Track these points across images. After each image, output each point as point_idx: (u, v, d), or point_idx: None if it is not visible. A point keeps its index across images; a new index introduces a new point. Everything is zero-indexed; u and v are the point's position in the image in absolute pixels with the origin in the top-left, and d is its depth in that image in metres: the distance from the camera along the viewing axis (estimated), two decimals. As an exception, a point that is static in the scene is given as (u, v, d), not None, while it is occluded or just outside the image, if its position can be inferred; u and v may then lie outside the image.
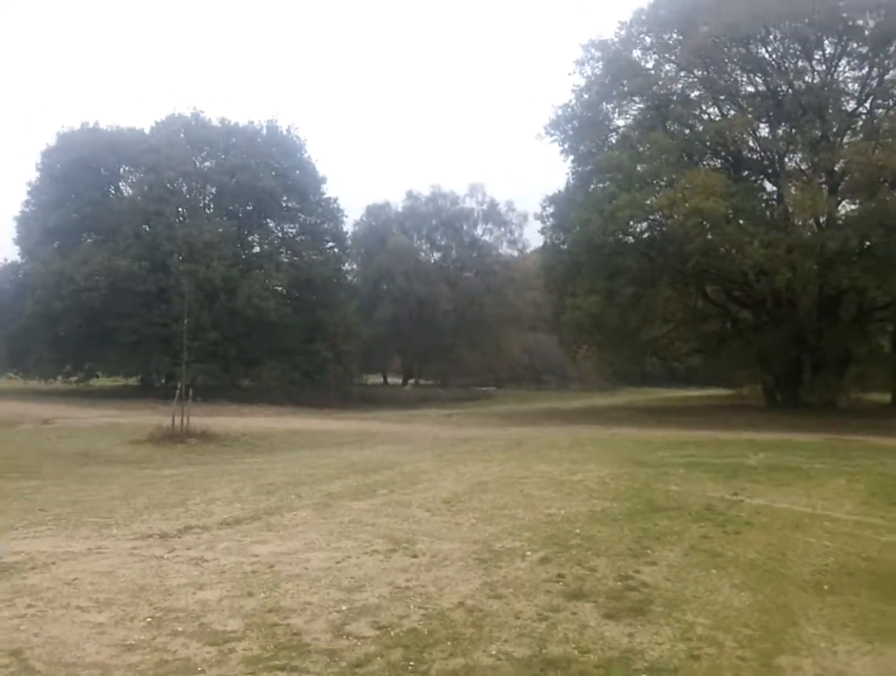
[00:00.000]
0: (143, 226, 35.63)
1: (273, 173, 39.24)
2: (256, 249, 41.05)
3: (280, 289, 38.20)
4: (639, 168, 26.13)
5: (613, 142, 29.02)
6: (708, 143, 27.47)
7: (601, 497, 9.85)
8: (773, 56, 27.16)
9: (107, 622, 5.07)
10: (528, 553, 6.78)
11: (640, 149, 26.51)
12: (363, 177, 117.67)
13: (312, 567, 6.38)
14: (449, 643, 4.56)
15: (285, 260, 39.71)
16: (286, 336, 36.56)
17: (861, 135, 23.73)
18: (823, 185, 24.78)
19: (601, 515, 8.60)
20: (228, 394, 33.61)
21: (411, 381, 63.44)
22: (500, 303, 58.08)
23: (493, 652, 4.40)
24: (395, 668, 4.18)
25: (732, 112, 28.17)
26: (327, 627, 4.87)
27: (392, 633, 4.74)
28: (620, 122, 30.00)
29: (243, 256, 38.81)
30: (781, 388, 28.51)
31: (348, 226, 48.27)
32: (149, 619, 5.09)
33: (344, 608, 5.25)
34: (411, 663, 4.25)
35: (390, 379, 65.30)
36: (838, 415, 24.41)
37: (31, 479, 13.03)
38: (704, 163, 29.29)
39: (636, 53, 28.91)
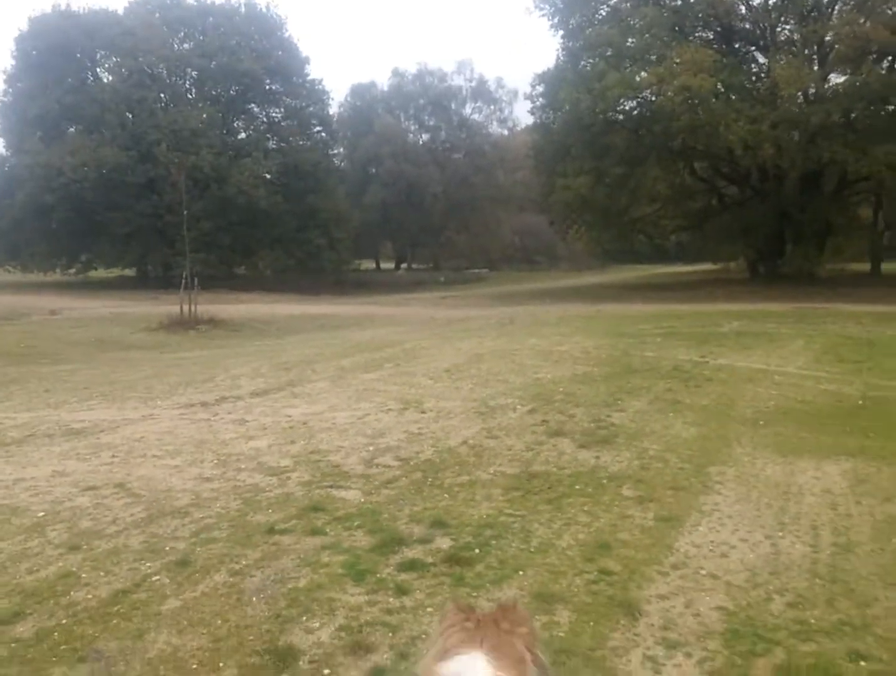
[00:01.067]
0: (127, 114, 35.40)
1: (254, 55, 38.50)
2: (242, 135, 40.88)
3: (269, 176, 38.38)
4: (629, 42, 26.10)
5: (603, 15, 28.67)
6: (699, 15, 27.20)
7: (584, 363, 11.20)
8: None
9: (181, 464, 6.38)
10: (519, 406, 8.14)
11: (631, 22, 26.32)
12: (347, 55, 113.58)
13: (339, 422, 7.71)
14: (456, 466, 5.91)
15: (272, 146, 39.64)
16: (279, 224, 37.16)
17: (851, 5, 23.68)
18: (813, 57, 24.95)
19: (582, 377, 9.95)
20: (225, 284, 34.57)
21: (403, 266, 64.32)
22: (490, 183, 57.97)
23: (491, 472, 5.75)
24: (417, 484, 5.53)
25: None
26: (359, 461, 6.21)
27: (411, 463, 6.09)
28: (608, -6, 29.47)
29: (230, 143, 38.69)
30: (764, 261, 29.73)
31: (333, 108, 47.75)
32: (215, 461, 6.41)
33: (371, 448, 6.59)
34: (429, 480, 5.60)
35: (382, 265, 66.11)
36: (816, 285, 25.72)
37: (61, 364, 14.28)
38: (696, 35, 29.10)
39: (628, -83, 28.03)
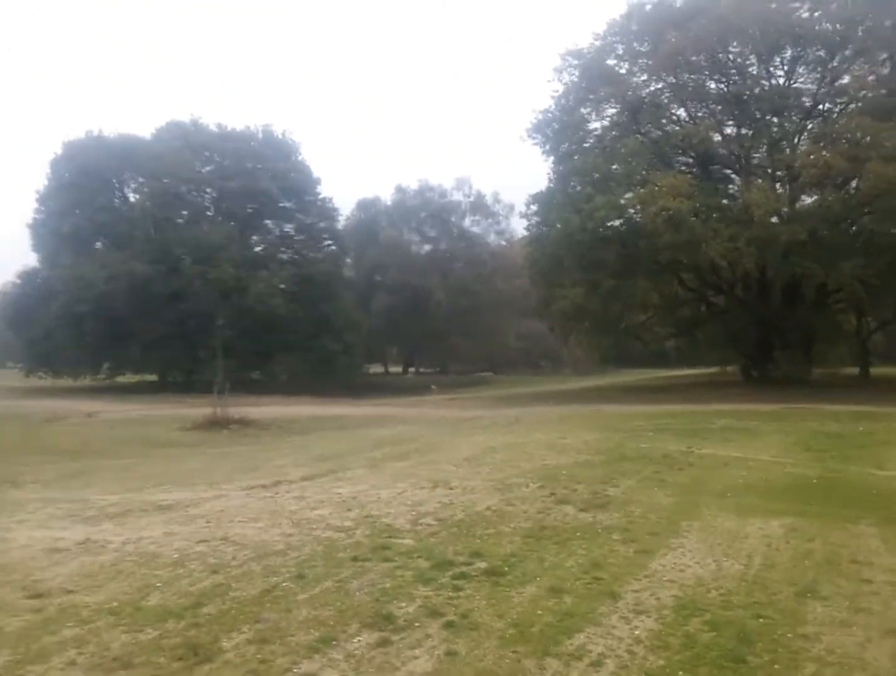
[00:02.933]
0: (153, 231, 38.47)
1: (269, 176, 42.12)
2: (259, 249, 44.05)
3: (284, 286, 41.16)
4: (614, 168, 29.17)
5: (590, 144, 32.06)
6: (678, 144, 30.46)
7: (584, 453, 12.97)
8: (737, 61, 30.23)
9: (264, 526, 8.08)
10: (530, 484, 9.87)
11: (614, 151, 29.50)
12: (353, 172, 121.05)
13: (382, 496, 9.44)
14: (484, 523, 7.64)
15: (286, 258, 42.68)
16: (293, 330, 39.58)
17: (814, 136, 26.85)
18: (785, 181, 27.92)
19: (583, 463, 11.70)
20: (243, 387, 36.56)
21: (411, 369, 66.51)
22: (490, 291, 60.98)
23: (511, 526, 7.48)
24: (455, 534, 7.25)
25: (700, 113, 31.32)
26: (406, 521, 7.92)
27: (447, 522, 7.82)
28: (596, 125, 33.12)
29: (248, 256, 41.71)
30: (755, 365, 31.80)
31: (341, 222, 51.32)
32: (290, 524, 8.11)
33: (413, 513, 8.31)
34: (464, 532, 7.32)
35: (391, 368, 68.35)
36: (805, 388, 27.59)
37: (118, 459, 15.98)
38: (677, 159, 32.38)
39: (610, 61, 31.95)
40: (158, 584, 5.81)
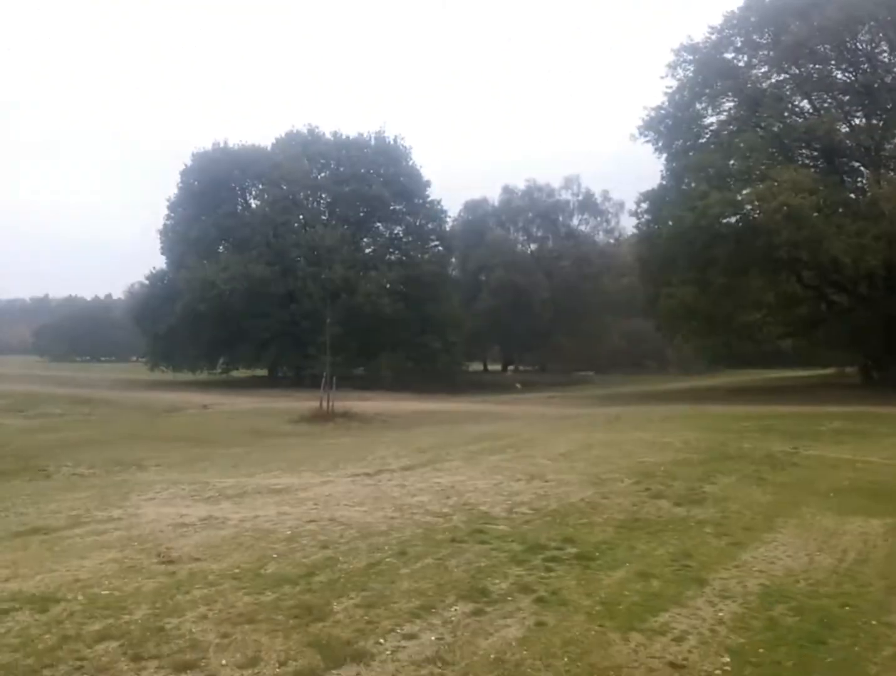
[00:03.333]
0: (272, 235, 40.56)
1: (381, 180, 43.49)
2: (369, 250, 45.52)
3: (391, 286, 42.40)
4: (731, 163, 28.36)
5: (705, 140, 31.25)
6: (801, 136, 29.26)
7: (684, 451, 12.89)
8: (866, 49, 28.74)
9: (368, 510, 8.63)
10: (626, 479, 10.00)
11: (731, 147, 28.66)
12: (462, 174, 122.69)
13: (479, 487, 9.82)
14: (577, 514, 7.89)
15: (394, 259, 43.92)
16: (399, 329, 40.74)
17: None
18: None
19: (682, 461, 11.68)
20: (348, 383, 38.08)
21: (511, 368, 66.70)
22: (596, 290, 60.36)
23: (604, 517, 7.69)
24: (548, 523, 7.53)
25: (825, 104, 29.94)
26: (502, 510, 8.27)
27: (542, 512, 8.10)
28: (712, 120, 32.24)
29: (358, 257, 43.24)
30: (877, 367, 30.09)
31: (448, 224, 52.20)
32: (392, 508, 8.62)
33: (509, 503, 8.64)
34: (557, 521, 7.59)
35: (490, 367, 68.83)
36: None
37: (232, 447, 17.15)
38: (799, 153, 31.07)
39: (727, 55, 31.09)
40: (274, 556, 6.42)
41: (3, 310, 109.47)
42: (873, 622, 4.53)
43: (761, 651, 4.11)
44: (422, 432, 19.88)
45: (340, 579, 5.61)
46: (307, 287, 37.66)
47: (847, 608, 4.77)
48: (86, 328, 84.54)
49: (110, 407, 29.82)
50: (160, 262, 44.35)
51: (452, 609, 4.89)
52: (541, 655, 4.13)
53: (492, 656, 4.13)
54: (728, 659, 4.00)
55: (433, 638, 4.41)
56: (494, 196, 66.28)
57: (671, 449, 13.34)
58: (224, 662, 4.10)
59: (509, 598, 5.08)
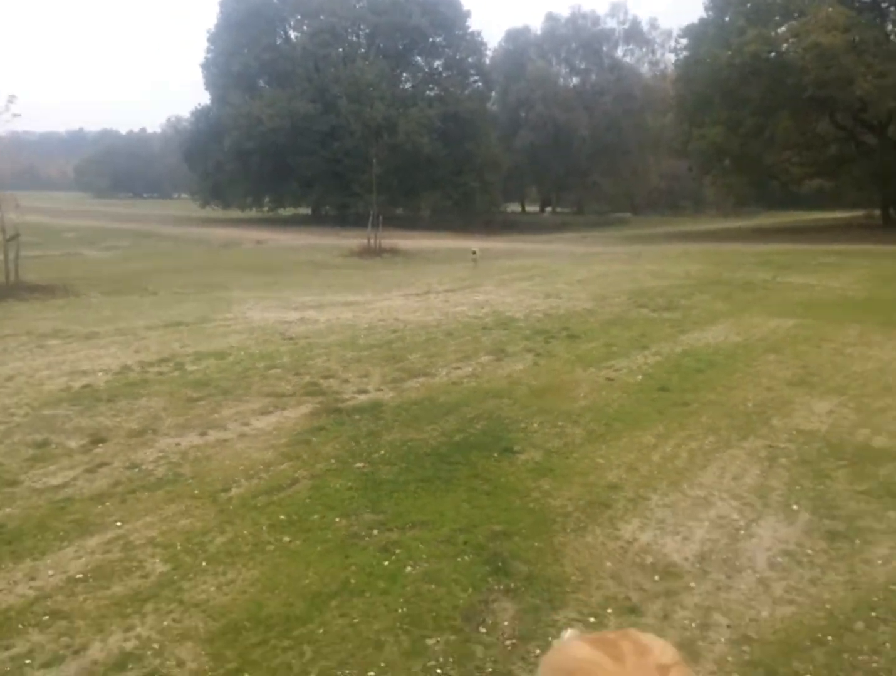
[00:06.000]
0: (313, 70, 41.69)
1: (420, 10, 43.51)
2: (408, 86, 46.33)
3: (430, 124, 43.67)
4: (770, -1, 28.79)
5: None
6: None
7: (681, 279, 15.69)
8: None
9: (421, 315, 11.71)
10: (623, 298, 12.91)
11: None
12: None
13: (507, 302, 12.85)
14: (576, 317, 10.88)
15: (433, 95, 44.84)
16: (438, 168, 42.60)
17: None
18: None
19: (675, 286, 14.50)
20: (389, 222, 40.71)
21: (548, 209, 68.31)
22: (638, 127, 60.29)
23: (596, 318, 10.67)
24: (553, 321, 10.53)
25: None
26: (521, 315, 11.28)
27: (551, 315, 11.10)
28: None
29: (397, 93, 44.26)
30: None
31: (488, 57, 52.04)
32: (439, 313, 11.69)
33: (527, 310, 11.66)
34: (560, 320, 10.60)
35: (528, 208, 70.44)
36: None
37: (296, 276, 20.24)
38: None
39: None
40: (361, 336, 9.58)
41: (39, 143, 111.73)
42: (740, 365, 7.53)
43: (664, 375, 7.15)
44: (461, 265, 22.78)
45: (409, 345, 8.77)
46: (349, 124, 39.33)
47: (730, 359, 7.77)
48: (126, 163, 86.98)
49: (171, 242, 33.12)
50: (193, 97, 46.23)
51: (482, 358, 8.02)
52: (533, 375, 7.23)
53: (504, 375, 7.26)
54: (641, 378, 7.06)
55: (469, 370, 7.53)
56: (537, 25, 64.87)
57: (672, 277, 16.14)
58: (349, 376, 7.28)
59: (518, 354, 8.18)
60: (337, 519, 3.87)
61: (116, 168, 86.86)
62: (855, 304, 11.91)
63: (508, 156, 52.18)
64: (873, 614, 3.02)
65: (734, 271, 16.89)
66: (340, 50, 43.36)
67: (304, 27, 43.36)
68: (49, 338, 9.49)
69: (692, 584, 3.27)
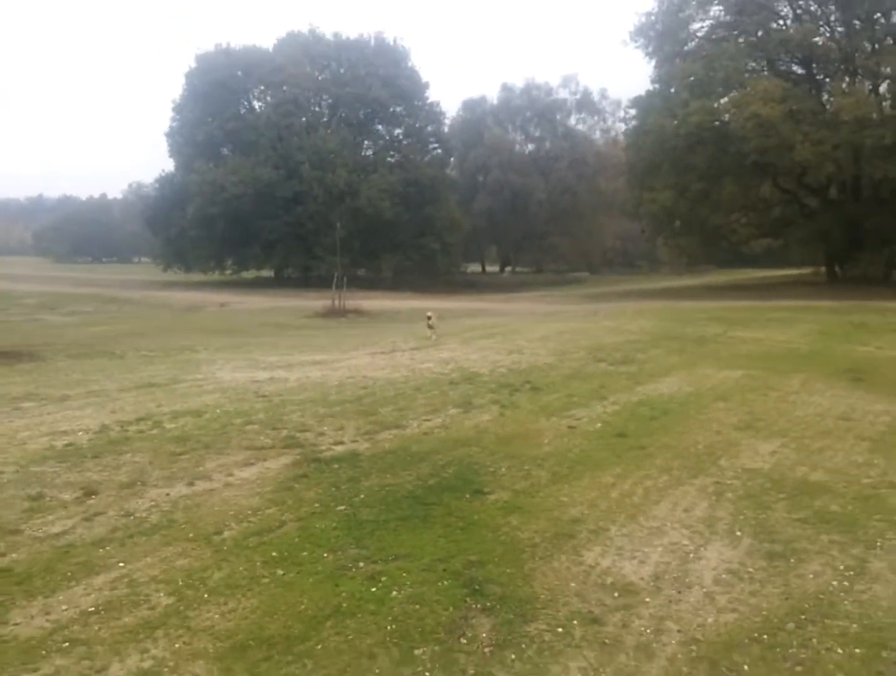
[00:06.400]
0: (276, 139, 42.78)
1: (381, 82, 45.23)
2: (369, 153, 47.71)
3: (391, 189, 44.88)
4: (712, 73, 30.66)
5: (691, 47, 33.31)
6: (780, 45, 31.33)
7: (637, 334, 16.41)
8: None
9: (388, 372, 12.12)
10: (582, 353, 13.51)
11: (716, 55, 30.86)
12: (460, 72, 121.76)
13: (471, 358, 13.35)
14: (538, 371, 11.40)
15: (394, 162, 46.21)
16: (399, 231, 43.65)
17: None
18: (873, 87, 28.79)
19: (631, 341, 15.18)
20: (352, 283, 41.39)
21: (508, 269, 69.83)
22: (592, 191, 62.58)
23: (557, 372, 11.20)
24: (517, 375, 11.02)
25: (809, 10, 31.86)
26: (486, 370, 11.76)
27: (514, 369, 11.61)
28: (700, 25, 34.09)
29: (359, 160, 45.56)
30: (840, 265, 33.43)
31: (446, 124, 53.94)
32: (406, 370, 12.12)
33: (491, 366, 12.15)
34: (523, 374, 11.10)
35: (488, 268, 71.94)
36: (886, 287, 29.31)
37: (262, 337, 20.55)
38: (780, 59, 33.18)
39: (716, -38, 32.63)
40: (332, 392, 9.94)
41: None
42: (692, 412, 8.08)
43: (622, 423, 7.65)
44: (424, 324, 23.35)
45: (380, 400, 9.16)
46: (312, 190, 40.23)
47: (682, 407, 8.32)
48: (85, 229, 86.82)
49: (134, 306, 33.23)
50: (155, 164, 46.85)
51: (450, 410, 8.44)
52: (500, 425, 7.67)
53: (472, 425, 7.68)
54: (600, 425, 7.54)
55: (439, 421, 7.93)
56: (493, 95, 67.43)
57: (627, 333, 16.86)
58: (324, 429, 7.62)
59: (485, 406, 8.63)
60: (325, 555, 4.22)
61: (76, 233, 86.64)
62: (799, 356, 12.67)
63: (468, 219, 53.62)
64: (803, 617, 3.47)
65: (686, 326, 17.70)
66: (303, 119, 44.65)
67: (268, 98, 44.67)
68: (23, 400, 9.65)
69: (647, 599, 3.69)
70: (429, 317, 17.40)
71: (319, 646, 3.22)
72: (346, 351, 15.49)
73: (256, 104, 46.25)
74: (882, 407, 8.28)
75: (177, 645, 3.24)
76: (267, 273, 49.27)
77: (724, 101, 29.93)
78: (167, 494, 5.37)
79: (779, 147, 27.29)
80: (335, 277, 27.12)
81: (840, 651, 3.15)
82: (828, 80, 31.69)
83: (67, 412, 8.81)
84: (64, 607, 3.60)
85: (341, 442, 6.99)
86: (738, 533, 4.55)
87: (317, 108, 46.34)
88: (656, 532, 4.59)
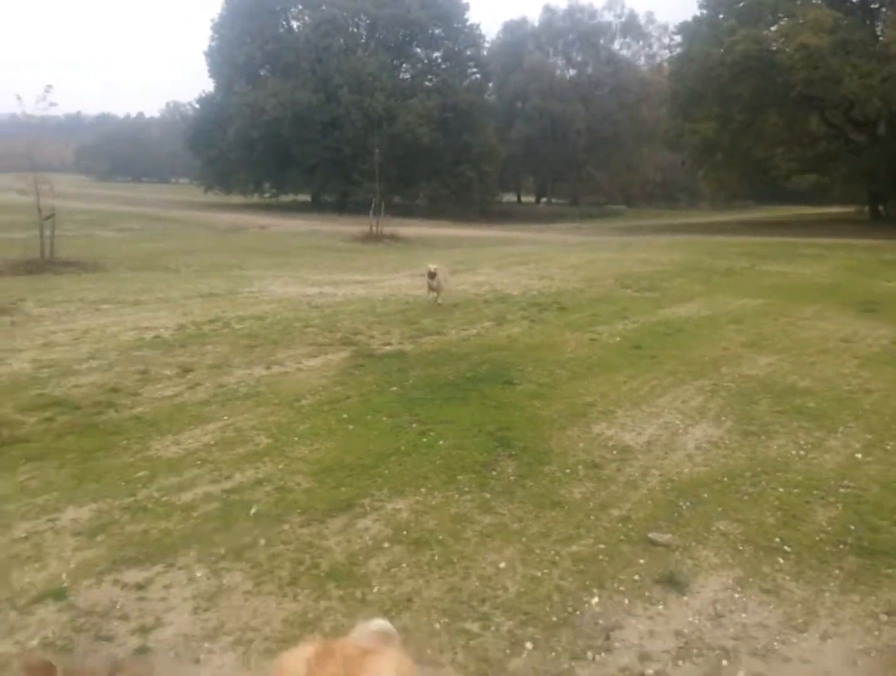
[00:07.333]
0: (315, 61, 42.96)
1: (419, 3, 44.82)
2: (407, 77, 47.61)
3: (429, 115, 44.99)
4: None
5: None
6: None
7: (665, 266, 17.15)
8: None
9: (424, 292, 13.14)
10: (610, 281, 14.36)
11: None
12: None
13: (504, 282, 14.27)
14: (567, 294, 12.32)
15: (432, 86, 46.15)
16: (436, 158, 43.98)
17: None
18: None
19: (659, 271, 15.95)
20: (387, 211, 42.07)
21: (544, 200, 69.72)
22: (634, 119, 61.64)
23: (585, 296, 12.11)
24: (546, 297, 11.96)
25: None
26: (518, 292, 12.71)
27: (544, 293, 12.53)
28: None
29: (397, 84, 45.58)
30: (884, 204, 33.34)
31: (485, 49, 53.34)
32: (444, 293, 13.12)
33: (523, 289, 13.08)
34: (552, 296, 12.03)
35: (524, 198, 71.84)
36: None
37: (304, 258, 21.62)
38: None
39: None
40: (377, 306, 11.00)
41: (38, 126, 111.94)
42: (705, 332, 9.00)
43: (639, 337, 8.61)
44: (460, 251, 24.20)
45: (421, 313, 10.21)
46: (350, 114, 40.65)
47: (697, 327, 9.24)
48: (124, 148, 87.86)
49: (179, 225, 34.41)
50: (191, 83, 47.31)
51: (485, 323, 9.46)
52: (529, 336, 8.68)
53: (504, 335, 8.70)
54: (619, 339, 8.52)
55: (475, 331, 8.96)
56: (535, 17, 66.17)
57: (657, 264, 17.60)
58: (374, 334, 8.70)
59: (516, 321, 9.63)
60: (384, 418, 5.33)
61: (115, 153, 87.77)
62: (820, 289, 13.37)
63: (505, 148, 53.48)
64: (760, 470, 4.49)
65: (716, 260, 18.36)
66: (342, 41, 44.60)
67: (306, 18, 44.62)
68: (101, 303, 10.87)
69: (639, 456, 4.74)
70: (431, 274, 11.15)
71: (386, 471, 4.33)
72: (387, 273, 16.50)
73: (295, 24, 46.31)
74: (884, 332, 9.09)
75: (280, 466, 4.38)
76: (304, 197, 50.06)
77: (772, 29, 29.54)
78: (250, 374, 6.51)
79: (826, 79, 27.11)
80: (373, 203, 27.88)
81: (781, 489, 4.18)
82: (883, 9, 30.96)
83: (144, 313, 9.99)
84: (190, 441, 4.77)
85: (389, 344, 8.06)
86: (723, 419, 5.55)
87: (355, 30, 46.17)
88: (655, 415, 5.61)
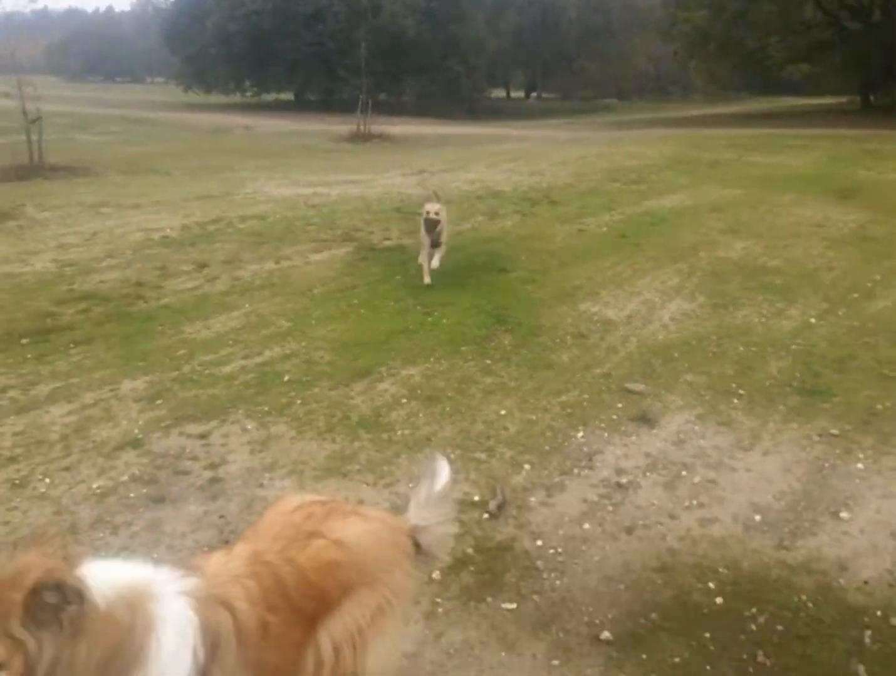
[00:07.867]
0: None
1: None
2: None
3: (415, 5, 43.43)
4: None
5: None
6: None
7: (654, 159, 17.42)
8: None
9: (418, 191, 13.50)
10: (599, 175, 14.70)
11: None
12: None
13: (495, 179, 14.60)
14: (557, 189, 12.72)
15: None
16: (423, 52, 42.85)
17: None
18: None
19: (648, 165, 16.26)
20: (373, 108, 41.34)
21: (534, 94, 68.31)
22: (627, 7, 59.90)
23: (574, 189, 12.53)
24: (537, 192, 12.37)
25: None
26: (509, 188, 13.09)
27: (535, 188, 12.92)
28: None
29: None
30: (875, 93, 33.16)
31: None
32: (435, 186, 13.48)
33: (514, 184, 13.45)
34: (543, 189, 12.43)
35: (513, 93, 70.31)
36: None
37: (292, 159, 21.65)
38: None
39: None
40: (373, 204, 11.40)
41: (2, 24, 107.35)
42: (686, 221, 9.53)
43: (624, 227, 9.13)
44: (450, 149, 24.24)
45: (416, 209, 10.61)
46: (333, 5, 39.38)
47: (679, 217, 9.76)
48: (96, 45, 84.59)
49: (161, 127, 33.93)
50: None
51: (478, 218, 9.94)
52: (520, 228, 9.19)
53: (497, 228, 9.20)
54: (605, 229, 9.04)
55: (469, 226, 9.45)
56: None
57: (645, 158, 17.86)
58: (373, 230, 9.16)
59: (508, 215, 10.10)
60: (391, 303, 5.93)
61: (87, 51, 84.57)
62: (802, 178, 13.79)
63: (493, 40, 52.03)
64: (725, 334, 5.15)
65: (704, 152, 18.62)
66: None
67: None
68: (101, 207, 11.21)
69: (620, 328, 5.38)
70: (431, 223, 6.82)
71: (398, 345, 4.96)
72: (379, 173, 16.73)
73: None
74: (854, 217, 9.65)
75: (303, 344, 5.00)
76: (286, 96, 48.93)
77: None
78: (261, 268, 7.05)
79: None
80: (360, 101, 27.58)
81: (742, 348, 4.85)
82: None
83: (146, 216, 10.38)
84: (218, 326, 5.36)
85: (389, 239, 8.58)
86: (697, 295, 6.18)
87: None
88: (635, 294, 6.23)
